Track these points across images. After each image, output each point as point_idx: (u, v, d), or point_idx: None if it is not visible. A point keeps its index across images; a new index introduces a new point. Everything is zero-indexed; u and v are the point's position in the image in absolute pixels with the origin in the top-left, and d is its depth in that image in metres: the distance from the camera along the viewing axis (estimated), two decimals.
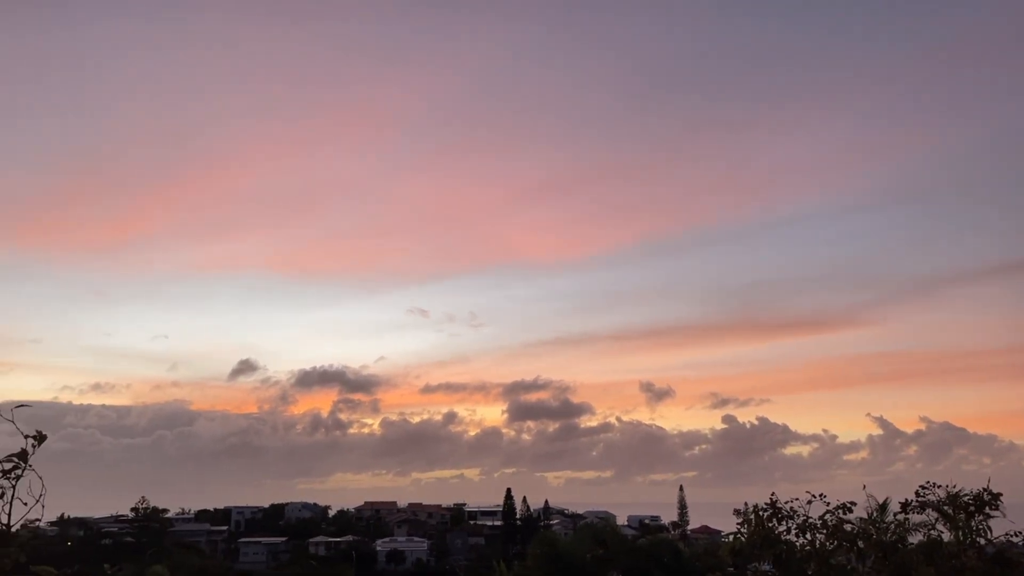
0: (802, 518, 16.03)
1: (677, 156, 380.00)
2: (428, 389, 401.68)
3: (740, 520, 16.83)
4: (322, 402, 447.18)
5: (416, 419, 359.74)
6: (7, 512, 6.00)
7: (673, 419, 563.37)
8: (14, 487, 6.02)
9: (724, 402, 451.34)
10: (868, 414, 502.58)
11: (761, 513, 16.33)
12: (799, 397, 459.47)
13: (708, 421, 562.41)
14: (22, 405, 6.01)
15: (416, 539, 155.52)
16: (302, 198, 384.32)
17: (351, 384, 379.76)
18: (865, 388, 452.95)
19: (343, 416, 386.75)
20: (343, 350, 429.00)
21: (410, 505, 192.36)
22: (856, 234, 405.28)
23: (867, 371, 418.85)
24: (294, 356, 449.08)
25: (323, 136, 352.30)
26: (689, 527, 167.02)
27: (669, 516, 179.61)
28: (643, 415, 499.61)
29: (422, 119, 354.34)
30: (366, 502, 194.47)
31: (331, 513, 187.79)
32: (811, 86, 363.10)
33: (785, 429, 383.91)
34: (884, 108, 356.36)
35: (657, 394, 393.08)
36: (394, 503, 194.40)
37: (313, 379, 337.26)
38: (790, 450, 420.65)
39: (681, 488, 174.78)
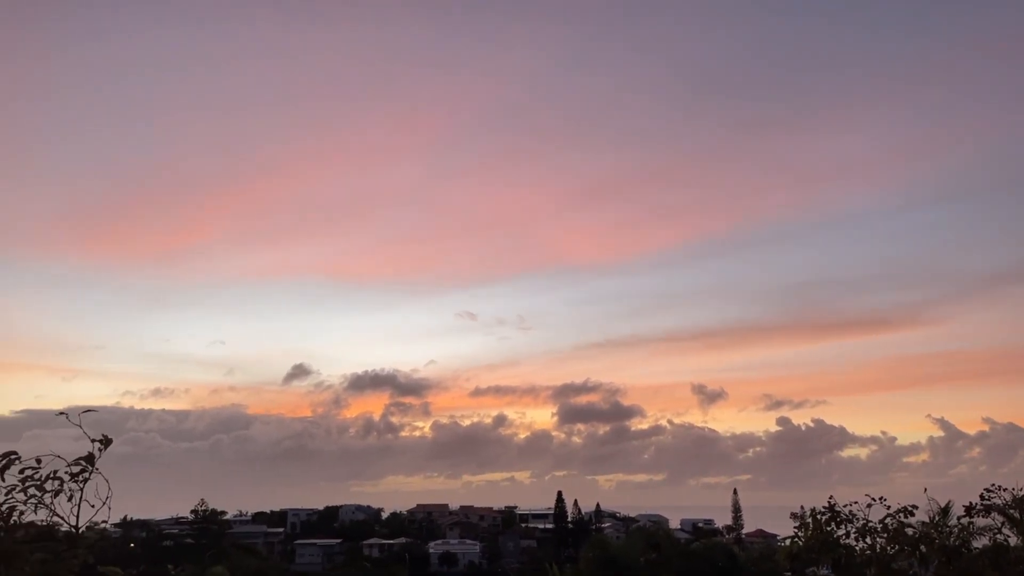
0: (861, 522, 15.69)
1: (725, 157, 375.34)
2: (478, 392, 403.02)
3: (797, 524, 16.55)
4: (374, 405, 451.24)
5: (466, 422, 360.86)
6: (75, 514, 6.21)
7: (726, 421, 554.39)
8: (82, 489, 6.22)
9: (778, 404, 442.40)
10: (928, 415, 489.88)
11: (819, 517, 16.03)
12: (856, 398, 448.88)
13: (762, 423, 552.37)
14: (89, 410, 6.21)
15: (468, 541, 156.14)
16: (354, 205, 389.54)
17: (402, 388, 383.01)
18: (925, 389, 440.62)
19: (394, 419, 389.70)
20: (394, 354, 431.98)
21: (462, 507, 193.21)
22: (913, 231, 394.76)
23: (927, 371, 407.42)
24: (346, 360, 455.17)
25: (374, 144, 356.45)
26: (744, 531, 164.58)
27: (723, 520, 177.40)
28: (695, 417, 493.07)
29: (470, 125, 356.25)
30: (418, 504, 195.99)
31: (384, 515, 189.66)
32: (863, 83, 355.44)
33: (842, 431, 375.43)
34: (941, 103, 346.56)
35: (709, 396, 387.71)
36: (446, 505, 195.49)
37: (365, 383, 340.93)
38: (847, 453, 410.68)
39: (735, 491, 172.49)
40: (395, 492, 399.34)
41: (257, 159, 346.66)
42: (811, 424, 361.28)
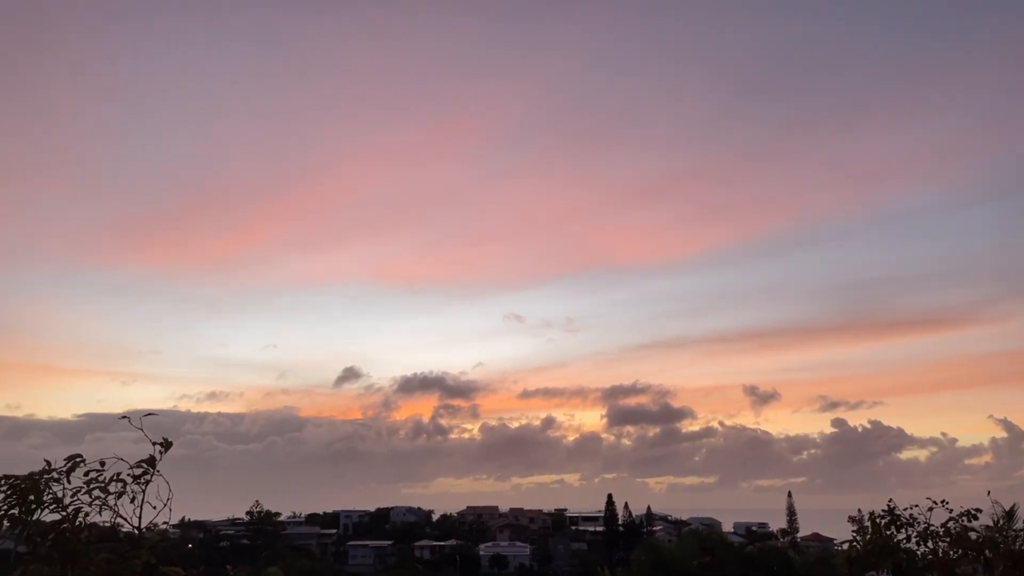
0: (923, 526, 15.26)
1: (775, 155, 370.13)
2: (526, 394, 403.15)
3: (855, 527, 16.17)
4: (423, 408, 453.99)
5: (515, 424, 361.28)
6: (138, 515, 6.36)
7: (779, 423, 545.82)
8: (144, 491, 6.38)
9: (834, 405, 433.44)
10: (991, 416, 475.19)
11: (878, 520, 15.64)
12: (915, 399, 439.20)
13: (817, 425, 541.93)
14: (150, 414, 6.36)
15: (518, 544, 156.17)
16: (402, 209, 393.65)
17: (451, 390, 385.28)
18: (987, 389, 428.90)
19: (443, 421, 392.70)
20: (442, 356, 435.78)
21: (511, 510, 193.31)
22: (970, 229, 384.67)
23: (989, 371, 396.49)
24: (395, 363, 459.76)
25: (421, 148, 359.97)
26: (799, 534, 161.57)
27: (777, 523, 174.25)
28: (747, 419, 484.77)
29: (516, 128, 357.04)
30: (468, 507, 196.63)
31: (434, 517, 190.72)
32: (916, 79, 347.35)
33: (900, 433, 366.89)
34: (995, 100, 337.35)
35: (762, 397, 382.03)
36: (495, 508, 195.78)
37: (414, 385, 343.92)
38: (906, 455, 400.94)
39: (789, 494, 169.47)
40: (445, 494, 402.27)
41: (306, 166, 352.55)
42: (868, 425, 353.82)
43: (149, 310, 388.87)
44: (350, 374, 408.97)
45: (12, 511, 6.08)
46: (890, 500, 15.68)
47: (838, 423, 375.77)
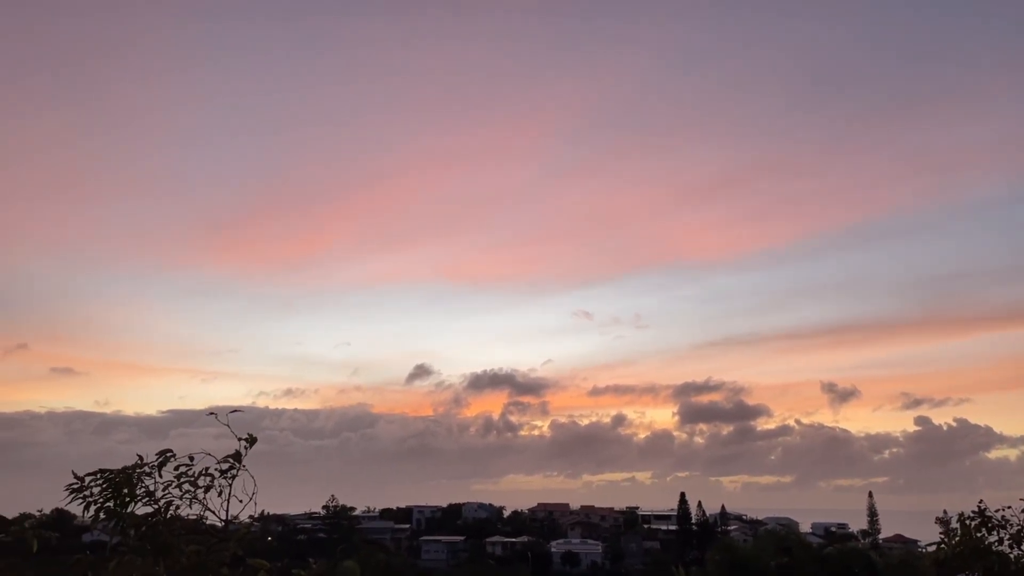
0: (1016, 527, 14.60)
1: (850, 147, 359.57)
2: (596, 391, 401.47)
3: (943, 529, 15.56)
4: (493, 404, 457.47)
5: (585, 421, 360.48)
6: (225, 508, 6.55)
7: (859, 421, 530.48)
8: (230, 485, 6.56)
9: (917, 402, 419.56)
10: None
11: (968, 522, 15.03)
12: (1004, 396, 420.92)
13: (899, 423, 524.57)
14: (236, 411, 6.55)
15: (590, 541, 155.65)
16: (471, 208, 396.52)
17: (520, 387, 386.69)
18: None
19: (513, 418, 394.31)
20: (511, 354, 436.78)
21: (582, 507, 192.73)
22: None
23: None
24: (466, 360, 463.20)
25: (488, 148, 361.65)
26: (881, 536, 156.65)
27: (857, 524, 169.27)
28: (825, 417, 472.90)
29: (583, 124, 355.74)
30: (539, 503, 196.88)
31: (505, 514, 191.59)
32: (994, 67, 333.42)
33: (988, 431, 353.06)
34: None
35: (841, 395, 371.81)
36: (566, 505, 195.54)
37: (484, 382, 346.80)
38: (995, 454, 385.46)
39: (870, 494, 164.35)
40: (515, 491, 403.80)
41: (377, 168, 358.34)
42: (953, 424, 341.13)
43: (227, 310, 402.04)
44: (421, 371, 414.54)
45: (107, 504, 6.33)
46: (980, 501, 15.04)
47: (922, 421, 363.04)
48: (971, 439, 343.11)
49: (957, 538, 15.23)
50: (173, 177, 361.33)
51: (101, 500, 6.32)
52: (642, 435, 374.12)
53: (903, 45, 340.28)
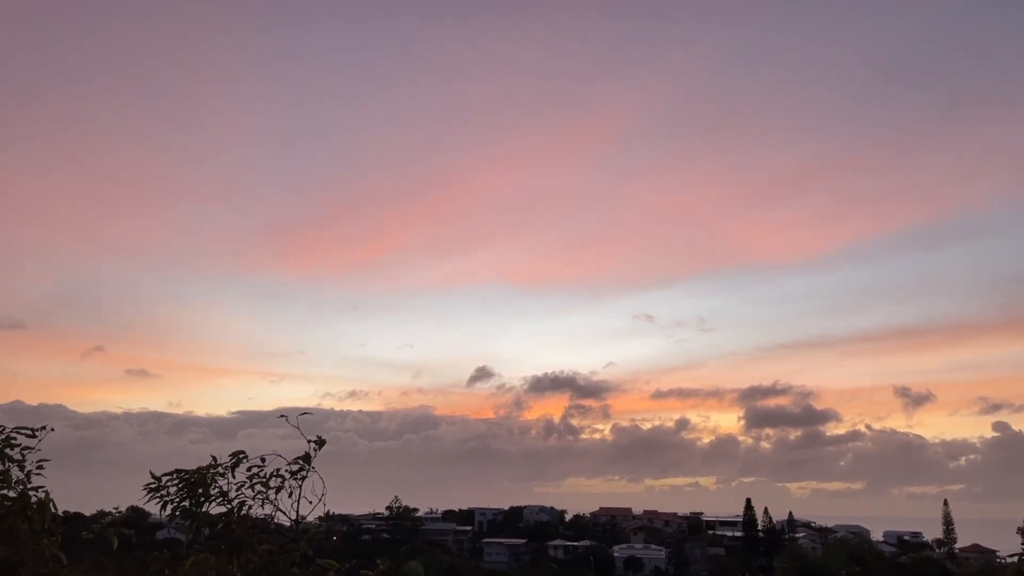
0: None
1: (924, 143, 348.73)
2: (659, 395, 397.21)
3: None
4: (554, 408, 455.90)
5: (647, 425, 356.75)
6: (295, 509, 6.64)
7: (934, 427, 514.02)
8: (300, 487, 6.65)
9: (995, 407, 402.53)
10: None
11: None
12: None
13: (976, 429, 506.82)
14: (305, 413, 6.63)
15: (653, 547, 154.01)
16: (533, 211, 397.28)
17: (582, 390, 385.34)
18: None
19: (574, 421, 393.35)
20: (573, 356, 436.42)
21: (645, 512, 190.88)
22: None
23: None
24: (527, 363, 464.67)
25: (550, 150, 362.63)
26: (957, 545, 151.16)
27: (932, 533, 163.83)
28: (898, 422, 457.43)
29: (645, 126, 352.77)
30: (601, 507, 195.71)
31: (567, 517, 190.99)
32: None
33: None
34: None
35: (914, 399, 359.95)
36: (629, 509, 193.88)
37: (545, 385, 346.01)
38: None
39: (946, 502, 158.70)
40: (576, 494, 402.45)
41: (439, 170, 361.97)
42: None
43: (296, 312, 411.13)
44: (482, 373, 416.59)
45: (183, 503, 6.48)
46: None
47: (1000, 427, 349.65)
48: None
49: None
50: (245, 182, 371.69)
51: (177, 499, 6.48)
52: (706, 439, 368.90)
53: (975, 39, 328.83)
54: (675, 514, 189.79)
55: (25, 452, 6.63)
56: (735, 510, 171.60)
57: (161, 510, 6.48)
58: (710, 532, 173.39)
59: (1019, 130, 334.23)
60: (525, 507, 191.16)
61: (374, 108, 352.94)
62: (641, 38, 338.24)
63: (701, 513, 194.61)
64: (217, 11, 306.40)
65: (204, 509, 6.47)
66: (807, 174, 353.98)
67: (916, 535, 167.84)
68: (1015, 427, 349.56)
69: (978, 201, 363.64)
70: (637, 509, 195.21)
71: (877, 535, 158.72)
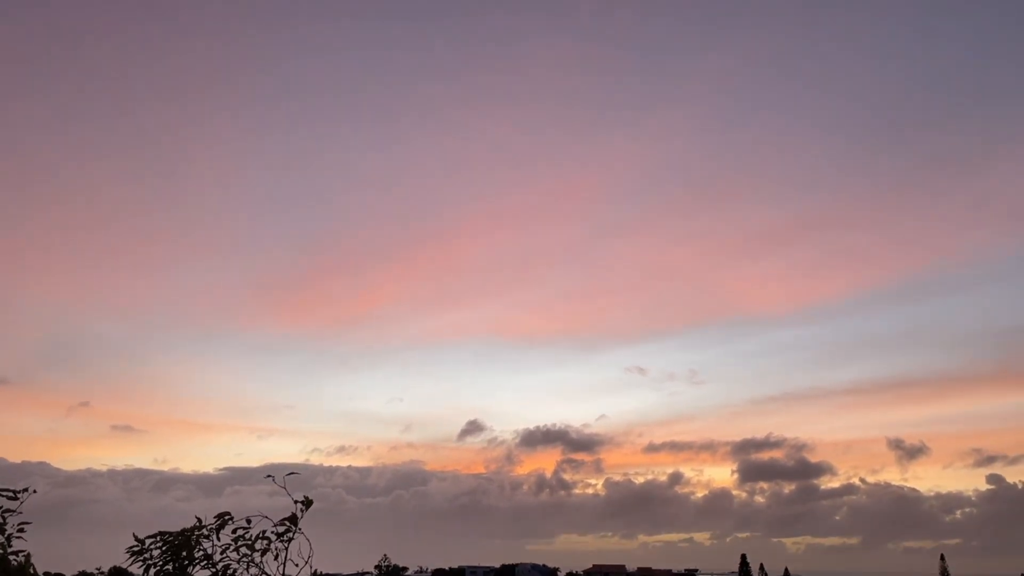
0: None
1: (911, 195, 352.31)
2: (652, 448, 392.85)
3: None
4: (546, 462, 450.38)
5: (640, 479, 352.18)
6: (281, 572, 6.52)
7: (929, 479, 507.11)
8: (287, 548, 6.55)
9: (990, 459, 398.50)
10: None
11: None
12: None
13: (971, 481, 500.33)
14: (292, 473, 6.58)
15: None
16: (523, 266, 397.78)
17: (574, 443, 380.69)
18: None
19: (567, 476, 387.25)
20: (564, 410, 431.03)
21: (639, 569, 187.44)
22: None
23: None
24: (518, 416, 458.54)
25: (538, 207, 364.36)
26: None
27: None
28: (892, 475, 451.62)
29: (634, 181, 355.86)
30: (594, 564, 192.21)
31: (560, 574, 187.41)
32: None
33: None
34: None
35: (908, 452, 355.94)
36: (622, 567, 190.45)
37: (537, 439, 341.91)
38: None
39: (942, 558, 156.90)
40: (569, 551, 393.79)
41: (429, 227, 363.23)
42: None
43: (284, 367, 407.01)
44: (473, 427, 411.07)
45: (167, 567, 6.37)
46: None
47: (995, 479, 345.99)
48: None
49: None
50: (234, 241, 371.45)
51: (161, 563, 6.37)
52: (700, 494, 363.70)
53: (959, 94, 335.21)
54: (669, 571, 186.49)
55: (7, 515, 6.52)
56: (730, 566, 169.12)
57: (144, 574, 6.36)
58: None
59: (1005, 182, 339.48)
60: (517, 564, 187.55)
61: (365, 168, 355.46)
62: (627, 97, 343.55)
63: (696, 570, 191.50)
64: (207, 74, 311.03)
65: (189, 573, 6.36)
66: (794, 228, 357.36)
67: None
68: (1009, 479, 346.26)
69: (967, 253, 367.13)
70: (631, 566, 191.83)
71: None
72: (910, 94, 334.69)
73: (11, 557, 6.29)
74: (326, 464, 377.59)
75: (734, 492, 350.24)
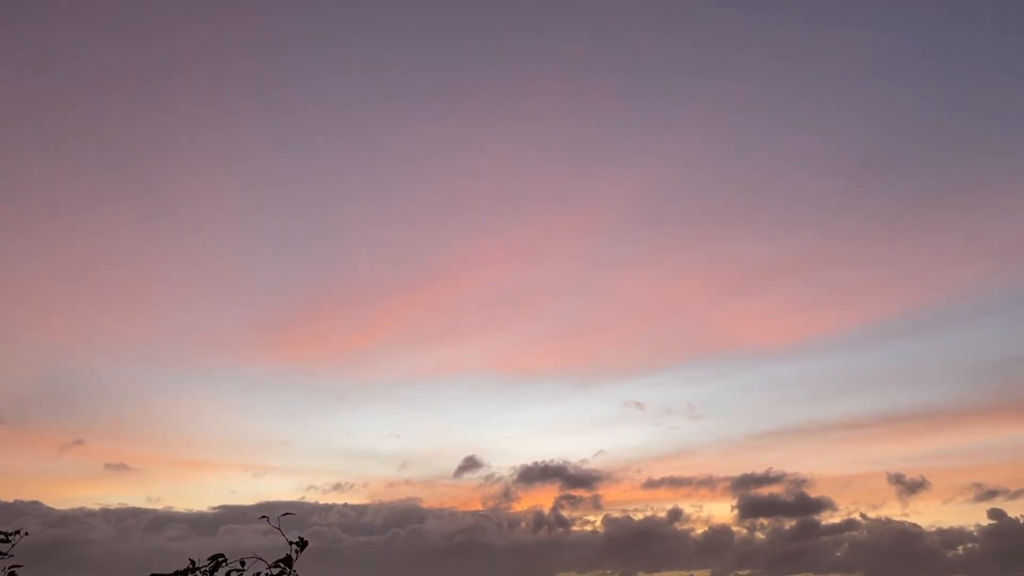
0: None
1: (907, 232, 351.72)
2: (650, 484, 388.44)
3: None
4: (544, 498, 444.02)
5: (639, 516, 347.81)
6: None
7: (930, 515, 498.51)
8: None
9: (990, 494, 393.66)
10: None
11: None
12: None
13: (972, 516, 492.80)
14: (287, 514, 6.52)
15: None
16: (520, 301, 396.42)
17: (572, 479, 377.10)
18: None
19: (565, 512, 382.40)
20: (562, 445, 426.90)
21: None
22: None
23: None
24: (515, 452, 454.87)
25: (535, 242, 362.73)
26: None
27: None
28: (893, 510, 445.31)
29: (631, 217, 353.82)
30: None
31: None
32: None
33: None
34: None
35: (909, 486, 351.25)
36: None
37: (535, 474, 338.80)
38: None
39: None
40: None
41: (426, 265, 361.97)
42: None
43: (279, 404, 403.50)
44: (470, 464, 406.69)
45: None
46: None
47: (996, 514, 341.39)
48: None
49: None
50: (228, 277, 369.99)
51: None
52: (699, 530, 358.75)
53: (955, 130, 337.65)
54: None
55: None
56: None
57: None
58: None
59: (1001, 217, 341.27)
60: None
61: (360, 208, 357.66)
62: (624, 132, 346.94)
63: None
64: (205, 108, 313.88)
65: None
66: (792, 264, 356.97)
67: None
68: (1011, 514, 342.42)
69: (963, 288, 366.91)
70: None
71: None
72: (904, 132, 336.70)
73: None
74: (322, 501, 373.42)
75: (734, 528, 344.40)
